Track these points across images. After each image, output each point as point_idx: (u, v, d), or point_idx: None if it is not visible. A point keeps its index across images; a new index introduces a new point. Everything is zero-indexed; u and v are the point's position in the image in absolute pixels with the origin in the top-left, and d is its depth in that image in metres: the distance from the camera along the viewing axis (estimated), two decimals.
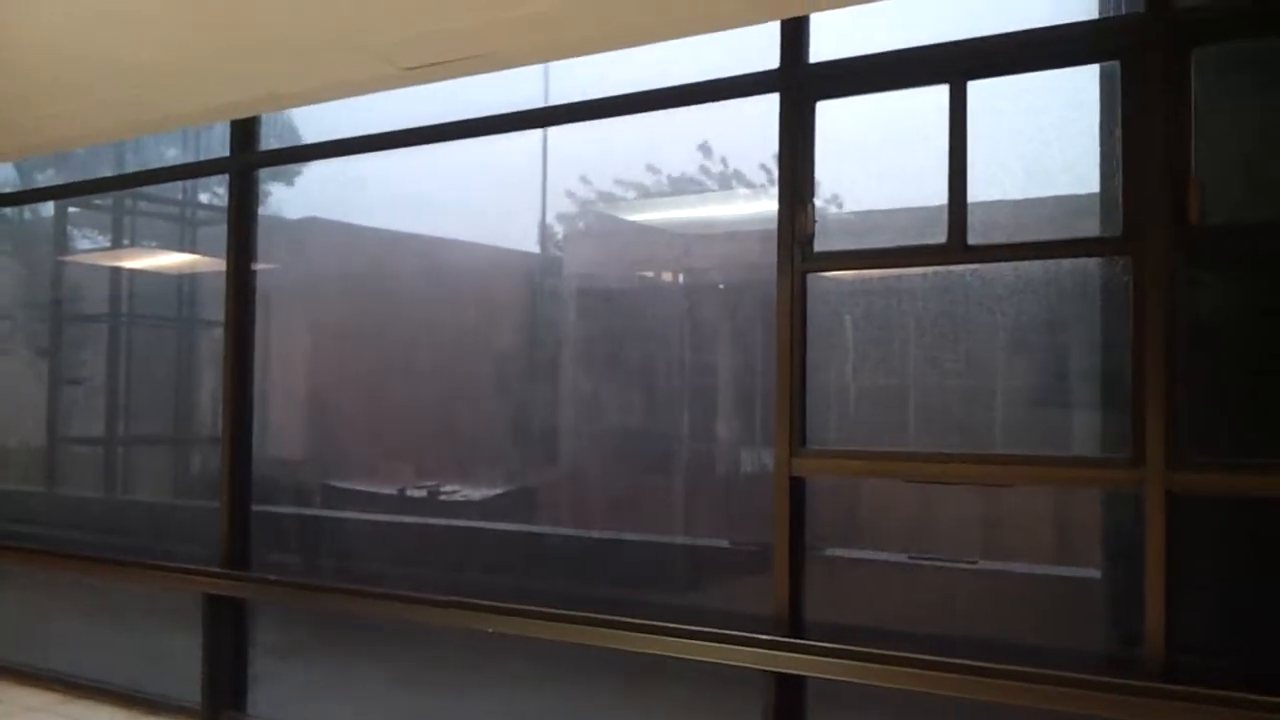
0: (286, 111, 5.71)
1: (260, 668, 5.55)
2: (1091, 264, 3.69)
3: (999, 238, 3.71)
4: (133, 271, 7.35)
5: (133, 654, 6.24)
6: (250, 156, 5.67)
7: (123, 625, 6.49)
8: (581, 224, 5.49)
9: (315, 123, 5.68)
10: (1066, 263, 3.72)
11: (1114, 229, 3.53)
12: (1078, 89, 3.72)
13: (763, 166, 4.56)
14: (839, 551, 4.28)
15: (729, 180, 4.83)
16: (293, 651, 5.79)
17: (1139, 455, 3.37)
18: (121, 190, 6.88)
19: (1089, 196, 3.72)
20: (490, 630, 4.54)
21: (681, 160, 4.89)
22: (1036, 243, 3.69)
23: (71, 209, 7.44)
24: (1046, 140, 3.76)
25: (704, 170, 4.89)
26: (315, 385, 6.51)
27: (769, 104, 4.12)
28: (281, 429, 6.35)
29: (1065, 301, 3.81)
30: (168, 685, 5.72)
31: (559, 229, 5.49)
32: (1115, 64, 3.57)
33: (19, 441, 7.75)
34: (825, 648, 3.69)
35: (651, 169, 5.03)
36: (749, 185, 4.68)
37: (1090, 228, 3.70)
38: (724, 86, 4.29)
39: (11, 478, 7.75)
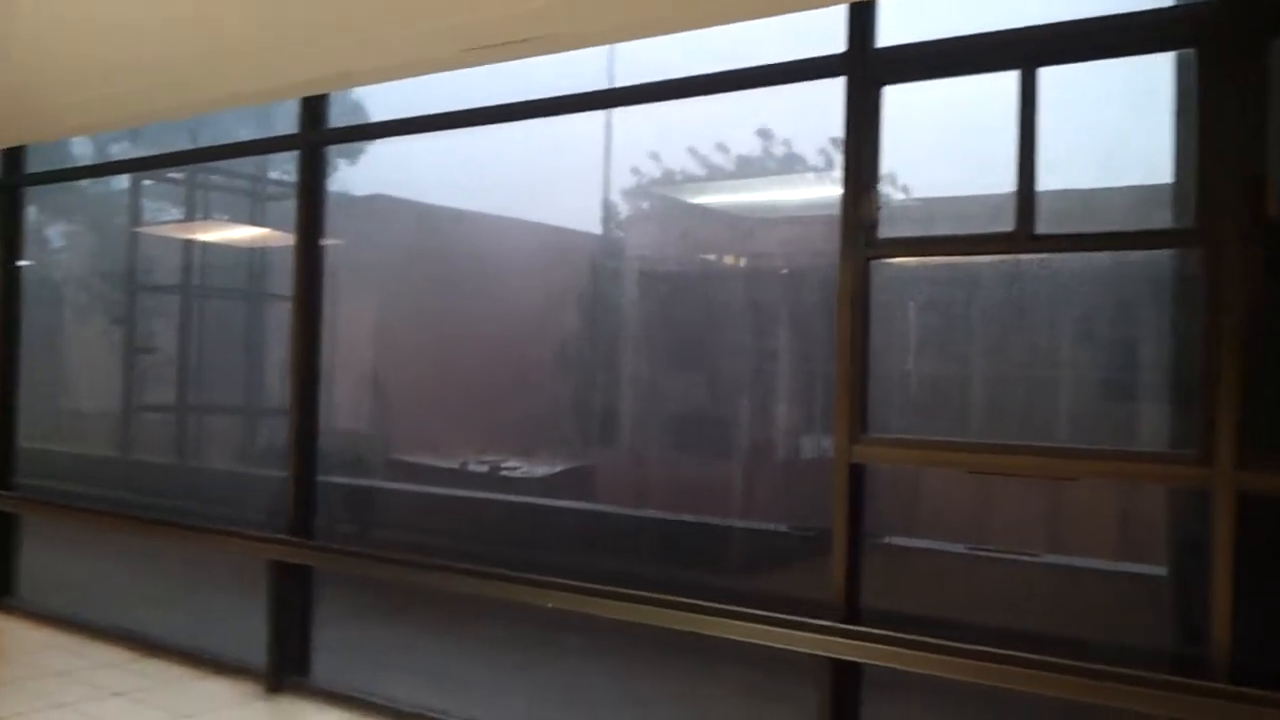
0: (353, 90, 5.77)
1: (325, 635, 5.68)
2: (1163, 256, 3.62)
3: (1067, 228, 3.65)
4: (204, 244, 7.53)
5: (203, 617, 6.42)
6: (319, 134, 5.74)
7: (194, 588, 6.68)
8: (644, 205, 5.50)
9: (381, 101, 5.73)
10: (1137, 254, 3.66)
11: (1187, 221, 3.45)
12: (1152, 77, 3.64)
13: (823, 151, 4.54)
14: (898, 540, 4.27)
15: (792, 164, 4.81)
16: (356, 620, 5.92)
17: (1208, 453, 3.31)
18: (194, 165, 7.02)
19: (1161, 187, 3.65)
20: (549, 605, 4.60)
21: (744, 144, 4.88)
22: (1106, 233, 3.62)
23: (146, 182, 7.62)
24: (1119, 129, 3.69)
25: (767, 154, 4.88)
26: (380, 360, 6.61)
27: (834, 88, 4.08)
28: (346, 402, 6.47)
29: (1135, 294, 3.75)
30: (235, 648, 5.87)
31: (621, 210, 5.51)
32: (1191, 52, 3.49)
33: (95, 408, 7.98)
34: (882, 635, 3.69)
35: (717, 150, 5.03)
36: (812, 169, 4.66)
37: (1163, 219, 3.63)
38: (790, 70, 4.25)
39: (88, 443, 7.99)
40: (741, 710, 4.71)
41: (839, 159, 4.07)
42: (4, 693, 5.52)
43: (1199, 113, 3.42)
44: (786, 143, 4.79)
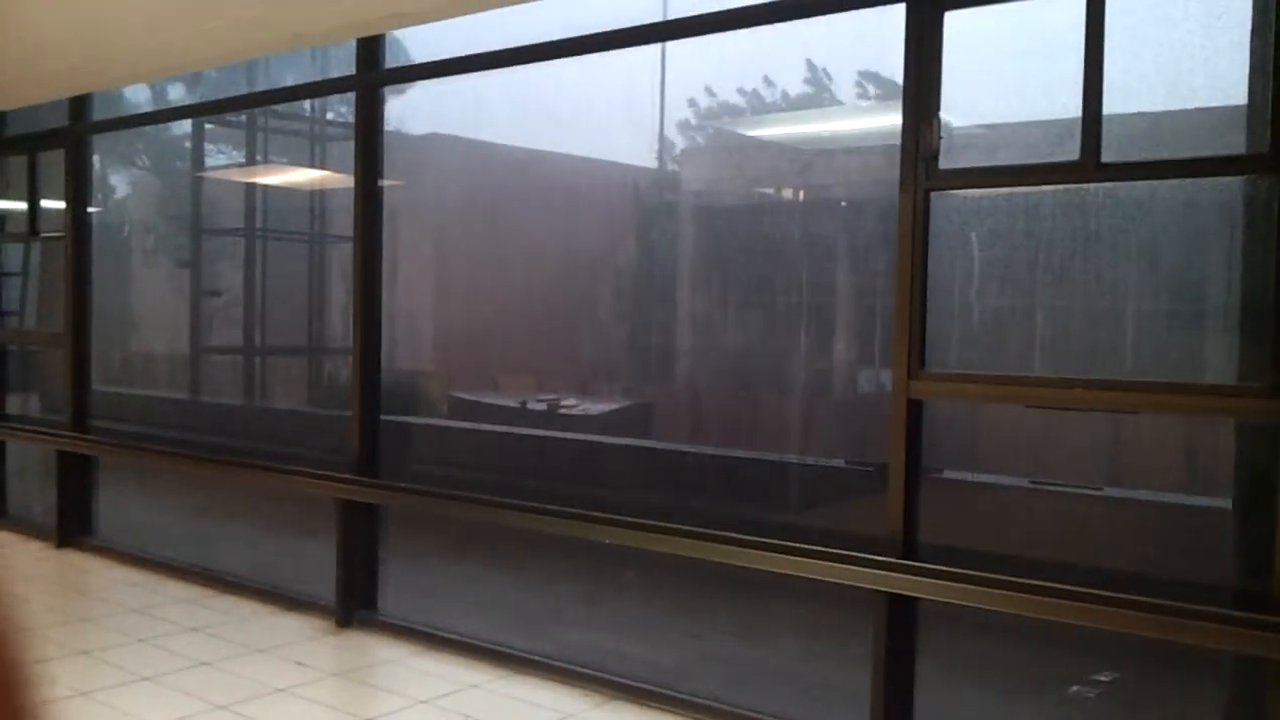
0: (398, 34, 5.74)
1: (391, 570, 5.80)
2: (1234, 183, 3.50)
3: (1135, 154, 3.55)
4: (266, 187, 7.60)
5: (274, 554, 6.60)
6: (376, 74, 5.74)
7: (264, 527, 6.86)
8: (700, 139, 5.44)
9: (428, 44, 5.69)
10: (1206, 181, 3.54)
11: (1261, 145, 3.33)
12: None
13: (882, 80, 4.43)
14: (956, 474, 4.24)
15: (850, 94, 4.72)
16: (422, 557, 6.04)
17: (1277, 385, 3.23)
18: (253, 108, 7.08)
19: (1235, 109, 3.52)
20: (608, 541, 4.65)
21: (802, 74, 4.79)
22: (1176, 160, 3.51)
23: (207, 126, 7.71)
24: (1190, 51, 3.55)
25: (825, 84, 4.78)
26: (440, 299, 6.67)
27: (895, 15, 3.97)
28: (408, 341, 6.54)
29: (1204, 222, 3.64)
30: (306, 584, 6.02)
31: (677, 145, 5.46)
32: None
33: (164, 351, 8.16)
34: (939, 570, 3.68)
35: (773, 82, 4.94)
36: (870, 99, 4.57)
37: (1236, 143, 3.50)
38: None
39: (158, 385, 8.19)
40: (798, 643, 4.75)
41: (899, 88, 3.99)
42: (87, 629, 5.74)
43: (1277, 30, 3.29)
44: (845, 72, 4.69)
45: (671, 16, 4.75)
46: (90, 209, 7.50)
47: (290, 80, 6.53)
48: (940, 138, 3.84)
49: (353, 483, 5.68)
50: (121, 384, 8.00)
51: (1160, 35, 3.61)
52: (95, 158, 7.60)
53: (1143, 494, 4.01)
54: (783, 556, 4.05)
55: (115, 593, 6.40)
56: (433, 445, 6.36)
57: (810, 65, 4.73)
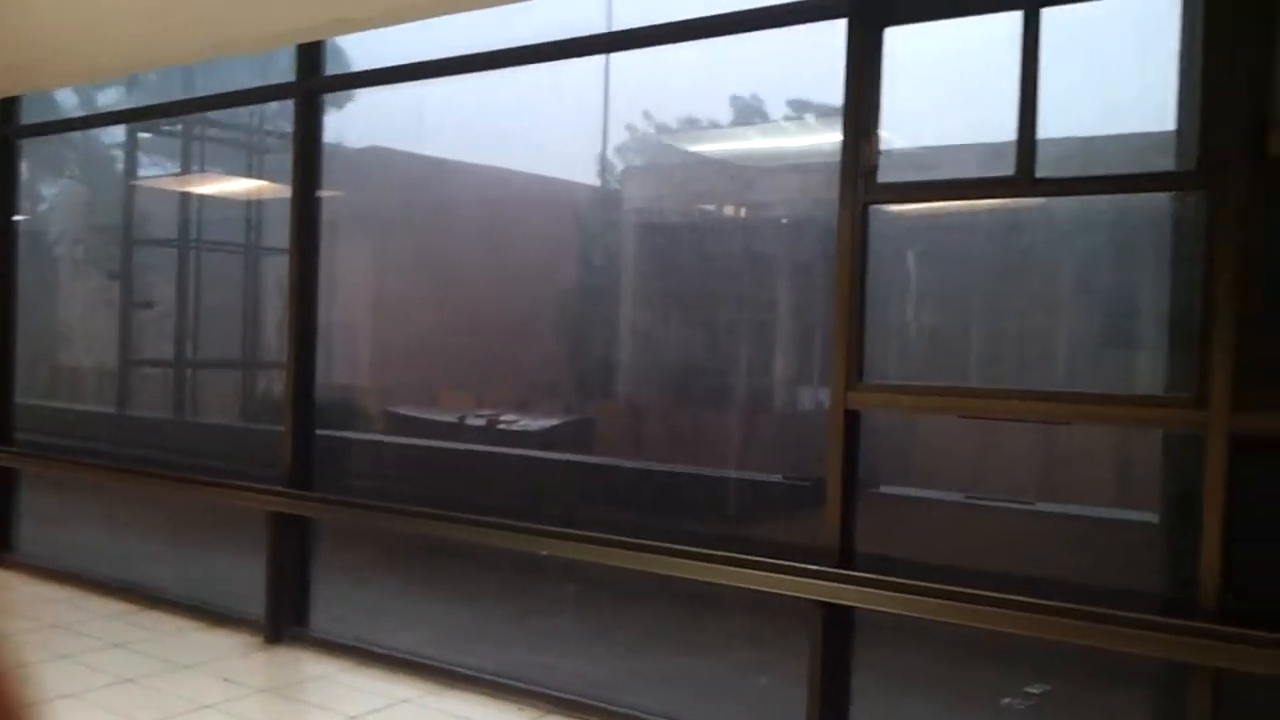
0: (342, 46, 5.69)
1: (323, 586, 5.69)
2: (1162, 200, 3.59)
3: (1068, 174, 3.62)
4: (201, 197, 7.48)
5: (203, 570, 6.44)
6: (315, 82, 5.67)
7: (193, 542, 6.70)
8: (640, 158, 5.46)
9: (370, 54, 5.64)
10: (1136, 198, 3.63)
11: (1190, 164, 3.42)
12: (1159, 18, 3.59)
13: (822, 97, 4.49)
14: (893, 489, 4.27)
15: (794, 110, 4.77)
16: (354, 572, 5.93)
17: (1203, 396, 3.29)
18: (190, 115, 6.96)
19: (1165, 134, 3.61)
20: (545, 553, 4.61)
21: (745, 90, 4.83)
22: (1107, 176, 3.59)
23: (143, 135, 7.57)
24: (1123, 74, 3.64)
25: (769, 100, 4.83)
26: (377, 313, 6.59)
27: (837, 31, 4.02)
28: (344, 356, 6.45)
29: (1134, 239, 3.72)
30: (235, 601, 5.88)
31: (619, 162, 5.47)
32: None
33: (93, 363, 7.97)
34: (874, 579, 3.69)
35: (717, 97, 4.97)
36: (814, 115, 4.61)
37: (1165, 164, 3.59)
38: (791, 11, 4.18)
39: (86, 398, 7.98)
40: (735, 654, 4.73)
41: (835, 110, 4.03)
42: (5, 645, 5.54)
43: (1204, 53, 3.38)
44: (788, 88, 4.73)
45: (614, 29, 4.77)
46: (17, 217, 7.31)
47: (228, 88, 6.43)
48: (879, 152, 3.88)
49: (282, 495, 5.56)
50: (47, 397, 7.78)
51: (1096, 59, 3.69)
52: (23, 164, 7.41)
53: (1073, 509, 4.07)
54: (719, 567, 4.03)
55: (35, 609, 6.19)
56: (367, 460, 6.27)
57: (748, 90, 4.78)
